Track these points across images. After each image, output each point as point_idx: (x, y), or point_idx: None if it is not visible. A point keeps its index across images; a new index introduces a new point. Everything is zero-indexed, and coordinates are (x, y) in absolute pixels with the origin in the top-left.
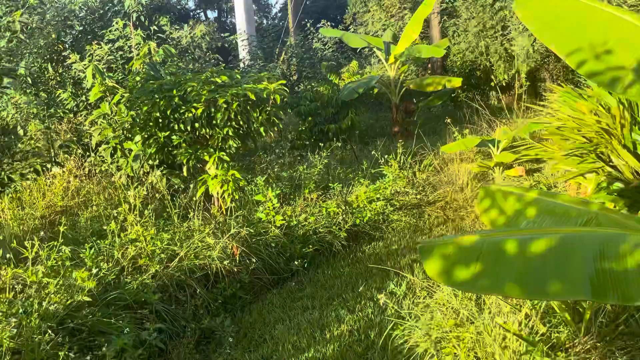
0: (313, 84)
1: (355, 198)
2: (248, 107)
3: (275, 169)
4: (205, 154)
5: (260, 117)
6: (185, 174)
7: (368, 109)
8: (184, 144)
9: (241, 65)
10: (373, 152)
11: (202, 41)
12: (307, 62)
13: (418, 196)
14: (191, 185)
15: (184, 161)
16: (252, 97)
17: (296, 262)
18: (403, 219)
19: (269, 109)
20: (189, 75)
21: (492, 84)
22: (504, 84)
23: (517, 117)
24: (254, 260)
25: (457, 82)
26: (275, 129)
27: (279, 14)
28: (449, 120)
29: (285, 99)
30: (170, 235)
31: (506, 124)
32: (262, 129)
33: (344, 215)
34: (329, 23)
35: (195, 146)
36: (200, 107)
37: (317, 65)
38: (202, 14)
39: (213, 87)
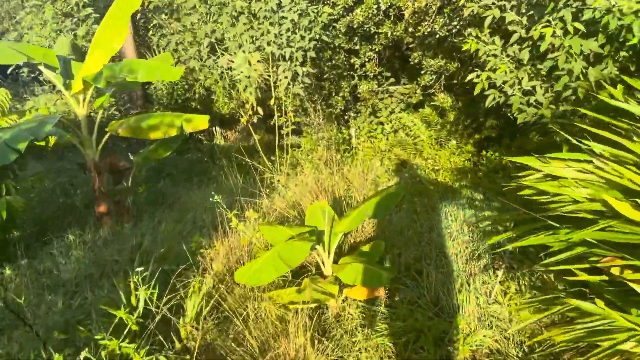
0: None
1: None
2: None
3: None
4: None
5: None
6: None
7: (44, 172)
8: None
9: None
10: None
11: None
12: None
13: None
14: None
15: None
16: None
17: None
18: None
19: None
20: None
21: (244, 120)
22: (228, 117)
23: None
24: None
25: (201, 122)
26: None
27: None
28: (218, 199)
29: None
30: None
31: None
32: None
33: None
34: None
35: None
36: None
37: None
38: None
39: None
